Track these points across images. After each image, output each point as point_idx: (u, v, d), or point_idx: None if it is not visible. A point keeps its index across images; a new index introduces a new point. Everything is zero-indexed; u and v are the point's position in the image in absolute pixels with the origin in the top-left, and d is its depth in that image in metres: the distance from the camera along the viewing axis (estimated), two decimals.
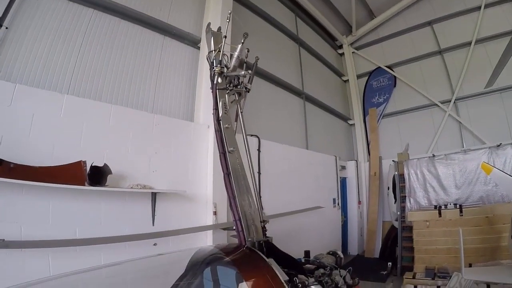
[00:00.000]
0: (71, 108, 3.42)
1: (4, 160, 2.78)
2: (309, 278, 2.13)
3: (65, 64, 3.85)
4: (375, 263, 7.67)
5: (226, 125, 2.16)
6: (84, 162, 3.27)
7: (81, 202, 3.31)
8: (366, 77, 10.25)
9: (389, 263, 6.97)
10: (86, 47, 4.07)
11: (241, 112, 2.37)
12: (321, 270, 2.46)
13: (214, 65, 2.20)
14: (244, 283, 1.84)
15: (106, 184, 3.41)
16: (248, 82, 2.41)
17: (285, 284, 1.84)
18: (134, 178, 3.78)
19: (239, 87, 2.33)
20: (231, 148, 2.14)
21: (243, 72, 2.21)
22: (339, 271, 2.46)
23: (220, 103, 2.17)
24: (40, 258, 2.94)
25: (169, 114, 4.73)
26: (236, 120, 2.40)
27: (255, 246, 2.13)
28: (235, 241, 2.32)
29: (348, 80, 10.65)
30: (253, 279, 1.86)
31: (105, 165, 3.39)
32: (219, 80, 2.19)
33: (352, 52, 10.68)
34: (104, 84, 4.20)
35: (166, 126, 4.30)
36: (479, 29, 8.19)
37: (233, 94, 2.33)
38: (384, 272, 6.67)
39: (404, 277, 5.52)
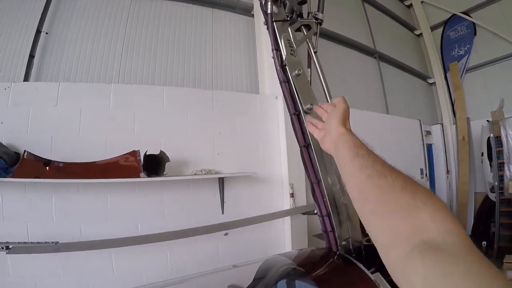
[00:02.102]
0: (119, 97, 3.08)
1: (52, 160, 2.60)
2: None
3: (111, 55, 3.57)
4: None
5: (296, 71, 1.28)
6: (138, 152, 2.82)
7: (140, 196, 2.96)
8: (441, 28, 8.41)
9: (483, 242, 5.68)
10: (130, 35, 3.74)
11: (315, 53, 1.47)
12: None
13: None
14: None
15: (164, 173, 2.93)
16: (318, 11, 1.51)
17: None
18: (197, 164, 3.28)
19: (306, 18, 1.47)
20: (308, 105, 1.26)
21: None
22: None
23: (282, 40, 1.33)
24: (102, 258, 2.71)
25: (231, 89, 4.14)
26: (309, 66, 1.51)
27: (351, 253, 1.32)
28: (319, 243, 1.53)
29: (421, 33, 8.87)
30: None
31: (161, 152, 2.90)
32: (275, 8, 1.33)
33: (422, 1, 8.81)
34: (155, 68, 3.78)
35: (228, 101, 3.68)
36: None
37: (299, 30, 1.47)
38: None
39: (504, 261, 4.36)
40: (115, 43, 3.62)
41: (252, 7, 4.52)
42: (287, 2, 1.40)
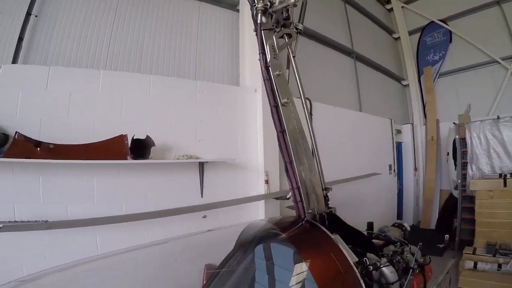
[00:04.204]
0: (108, 83, 3.25)
1: (42, 141, 2.74)
2: (380, 258, 1.73)
3: (100, 41, 3.76)
4: (431, 234, 7.02)
5: (277, 72, 1.68)
6: (125, 136, 3.08)
7: (125, 177, 3.18)
8: (419, 33, 9.07)
9: (446, 235, 6.30)
10: (119, 22, 3.94)
11: (293, 57, 1.87)
12: (391, 247, 2.03)
13: (255, 1, 1.71)
14: (303, 263, 1.47)
15: (150, 157, 3.20)
16: (298, 22, 1.89)
17: (354, 267, 1.45)
18: (180, 149, 3.56)
19: (288, 27, 1.85)
20: (285, 100, 1.68)
21: (292, 0, 1.69)
22: (410, 248, 2.06)
23: (268, 46, 1.70)
24: (88, 236, 2.90)
25: (213, 80, 4.44)
26: (288, 67, 1.91)
27: (317, 219, 1.72)
28: (290, 213, 1.93)
29: (399, 37, 9.53)
30: (314, 259, 1.51)
31: (147, 137, 3.18)
32: (263, 19, 1.70)
33: (402, 7, 9.45)
34: (142, 56, 4.03)
35: (210, 92, 3.98)
36: None
37: (282, 37, 1.84)
38: (441, 245, 5.99)
39: (464, 252, 4.89)
40: (104, 28, 3.79)
41: (238, 2, 4.82)
42: (274, 14, 1.77)
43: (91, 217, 2.86)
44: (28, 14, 3.35)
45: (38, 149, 2.71)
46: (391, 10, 9.74)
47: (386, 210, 6.94)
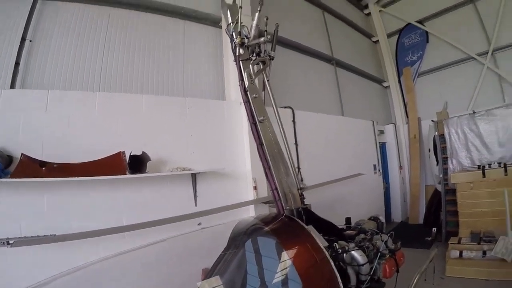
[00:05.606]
0: (104, 103, 3.55)
1: (47, 161, 2.98)
2: (349, 243, 2.10)
3: (92, 63, 4.07)
4: (420, 229, 7.45)
5: (254, 95, 2.13)
6: (123, 153, 3.41)
7: (125, 192, 3.47)
8: (397, 36, 9.67)
9: (433, 228, 6.64)
10: (109, 45, 4.26)
11: (267, 81, 2.32)
12: (362, 235, 2.41)
13: (234, 37, 2.14)
14: (285, 252, 1.84)
15: (146, 171, 3.54)
16: (271, 50, 2.34)
17: (324, 250, 1.83)
18: (173, 162, 3.88)
19: (262, 55, 2.28)
20: (261, 118, 2.12)
21: (262, 39, 2.13)
22: (381, 236, 2.39)
23: (245, 74, 2.13)
24: (92, 248, 3.14)
25: (200, 96, 4.80)
26: (263, 90, 2.35)
27: (294, 214, 2.12)
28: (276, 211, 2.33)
29: (378, 40, 10.11)
30: (293, 247, 1.88)
31: (143, 153, 3.50)
32: (241, 51, 2.13)
33: (379, 11, 10.06)
34: (132, 77, 4.37)
35: (198, 108, 4.33)
36: None
37: (257, 64, 2.28)
38: (429, 238, 6.41)
39: (449, 242, 5.26)
40: (95, 52, 4.11)
41: (220, 19, 5.21)
42: (250, 47, 2.20)
43: (94, 229, 3.10)
44: (23, 39, 3.60)
45: (43, 168, 2.95)
46: (369, 14, 10.32)
47: (374, 209, 7.26)
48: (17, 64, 3.51)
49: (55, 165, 3.06)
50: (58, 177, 2.97)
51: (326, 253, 1.85)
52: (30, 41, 3.67)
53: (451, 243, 5.19)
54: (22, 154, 2.91)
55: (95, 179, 3.17)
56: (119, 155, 3.39)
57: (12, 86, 3.41)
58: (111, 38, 4.30)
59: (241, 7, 2.32)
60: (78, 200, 3.17)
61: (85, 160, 3.22)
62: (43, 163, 2.98)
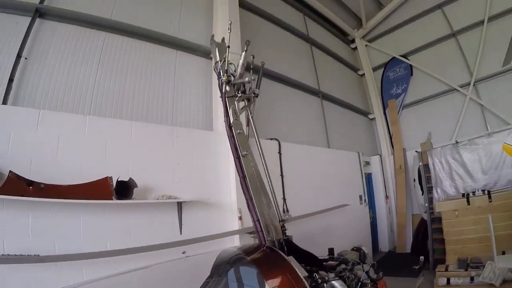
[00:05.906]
0: (93, 127, 3.62)
1: (34, 181, 2.98)
2: (329, 273, 2.16)
3: (85, 86, 4.11)
4: (407, 258, 7.52)
5: (238, 131, 2.27)
6: (110, 178, 3.45)
7: (110, 216, 3.48)
8: (382, 69, 10.12)
9: (421, 257, 6.82)
10: (103, 69, 4.33)
11: (251, 117, 2.47)
12: (343, 266, 2.47)
13: (221, 74, 2.32)
14: (265, 281, 1.90)
15: (132, 197, 3.57)
16: (256, 87, 2.52)
17: (304, 280, 1.90)
18: (160, 190, 3.92)
19: (247, 93, 2.45)
20: (245, 152, 2.25)
21: (247, 79, 2.31)
22: (362, 266, 2.47)
23: (230, 110, 2.28)
24: (75, 270, 3.11)
25: (188, 125, 4.89)
26: (248, 125, 2.51)
27: (275, 245, 2.20)
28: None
29: (364, 74, 10.54)
30: (273, 277, 1.94)
31: (130, 179, 3.56)
32: (227, 88, 2.30)
33: (365, 45, 10.58)
34: (123, 102, 4.42)
35: (186, 137, 4.43)
36: (490, 5, 7.91)
37: (243, 100, 2.44)
38: (417, 267, 6.53)
39: (436, 270, 5.36)
40: (88, 76, 4.17)
41: (211, 51, 5.36)
42: (235, 85, 2.37)
43: (78, 252, 3.09)
44: (19, 56, 3.65)
45: (31, 187, 2.95)
46: (355, 49, 10.84)
47: (360, 239, 7.30)
48: (10, 80, 3.54)
49: (42, 185, 3.06)
50: (44, 198, 2.97)
51: (306, 283, 1.92)
52: (26, 58, 3.72)
53: (438, 271, 5.29)
54: (10, 171, 2.90)
55: (81, 203, 3.20)
56: (106, 180, 3.43)
57: (4, 102, 3.43)
58: (104, 61, 4.39)
59: (228, 47, 2.50)
60: (63, 222, 3.16)
61: (72, 182, 3.23)
62: (30, 182, 2.99)
